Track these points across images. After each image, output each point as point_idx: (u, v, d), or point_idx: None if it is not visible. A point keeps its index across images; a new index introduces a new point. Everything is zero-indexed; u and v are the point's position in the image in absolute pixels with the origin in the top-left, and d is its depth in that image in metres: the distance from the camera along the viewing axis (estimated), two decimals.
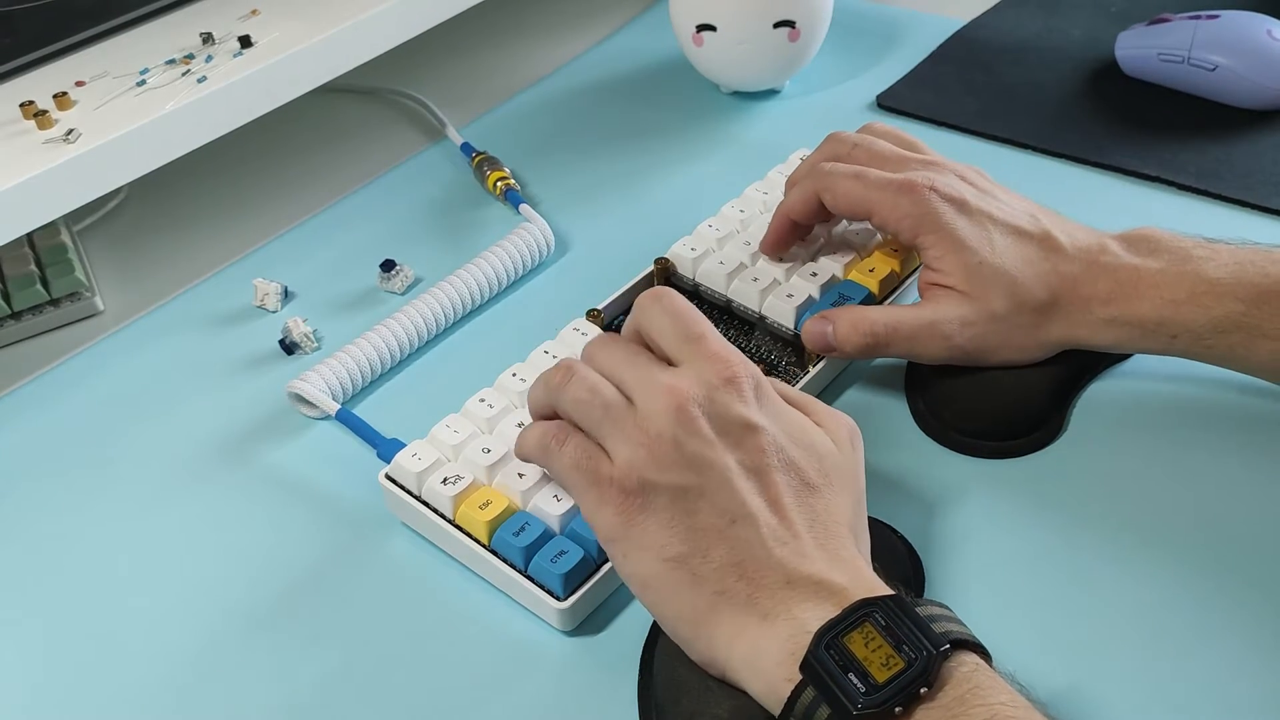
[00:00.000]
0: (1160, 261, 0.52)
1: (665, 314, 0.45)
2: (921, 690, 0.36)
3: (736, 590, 0.40)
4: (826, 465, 0.43)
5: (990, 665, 0.38)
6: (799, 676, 0.37)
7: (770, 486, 0.41)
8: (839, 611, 0.38)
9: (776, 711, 0.38)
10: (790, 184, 0.58)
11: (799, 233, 0.59)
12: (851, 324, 0.54)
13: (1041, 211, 0.55)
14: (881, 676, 0.36)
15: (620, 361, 0.44)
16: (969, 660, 0.37)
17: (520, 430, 0.48)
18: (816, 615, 0.38)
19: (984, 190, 0.55)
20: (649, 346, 0.46)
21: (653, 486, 0.41)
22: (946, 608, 0.40)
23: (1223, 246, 0.52)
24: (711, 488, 0.41)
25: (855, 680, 0.36)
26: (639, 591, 0.42)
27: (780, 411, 0.44)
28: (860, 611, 0.38)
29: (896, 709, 0.36)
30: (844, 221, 0.63)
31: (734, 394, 0.43)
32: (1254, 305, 0.50)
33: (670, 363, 0.45)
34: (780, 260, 0.60)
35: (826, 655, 0.37)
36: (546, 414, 0.47)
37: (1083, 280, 0.52)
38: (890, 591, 0.39)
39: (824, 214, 0.57)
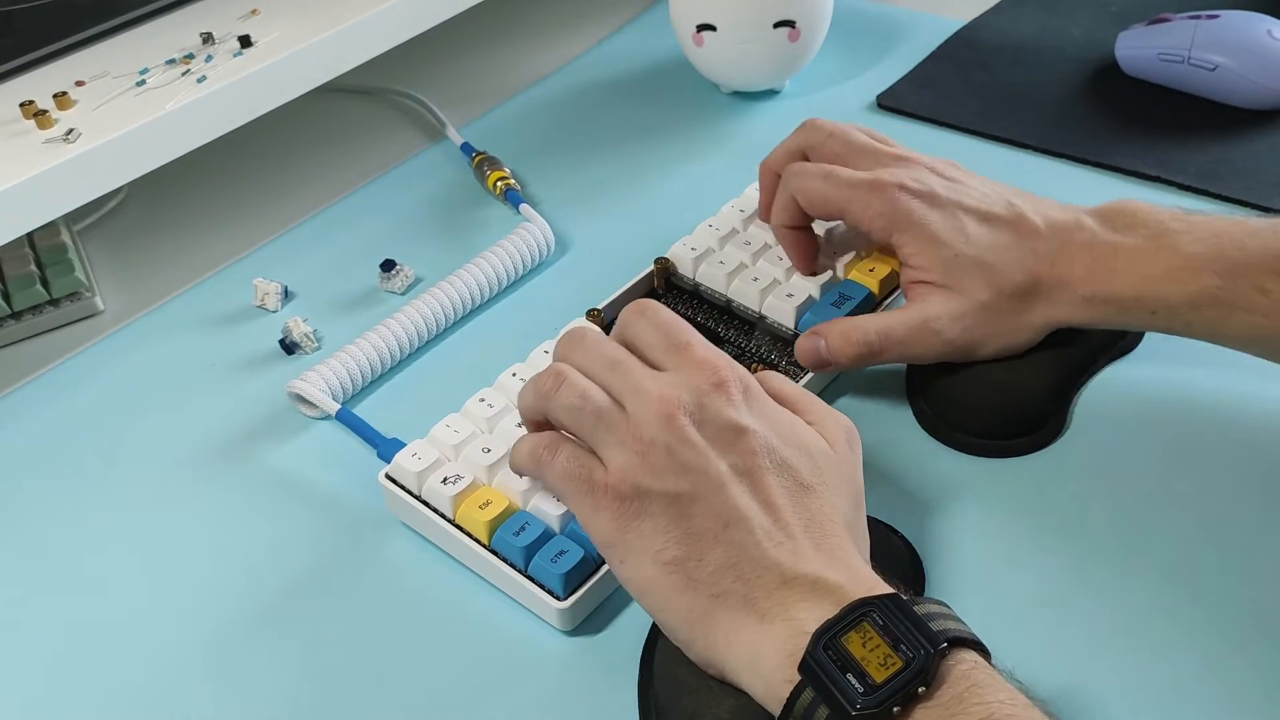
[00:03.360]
0: (1136, 237, 0.51)
1: (651, 326, 0.45)
2: (920, 689, 0.36)
3: (733, 592, 0.40)
4: (820, 464, 0.43)
5: (989, 663, 0.38)
6: (798, 677, 0.37)
7: (763, 489, 0.41)
8: (837, 611, 0.38)
9: (777, 712, 0.38)
10: (762, 169, 0.60)
11: (810, 236, 0.59)
12: (843, 335, 0.54)
13: (1015, 195, 0.55)
14: (880, 676, 0.36)
15: (609, 366, 0.44)
16: (967, 658, 0.37)
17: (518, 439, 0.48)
18: (814, 615, 0.38)
19: (954, 179, 0.55)
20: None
21: (647, 492, 0.41)
22: (945, 605, 0.39)
23: (1199, 218, 0.51)
24: (705, 493, 0.41)
25: (854, 680, 0.36)
26: (637, 595, 0.42)
27: (771, 413, 0.44)
28: (858, 611, 0.38)
29: (895, 709, 0.36)
30: (842, 222, 0.63)
31: (723, 398, 0.43)
32: (1229, 279, 0.49)
33: (658, 370, 0.45)
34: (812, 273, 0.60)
35: (825, 656, 0.37)
36: (537, 418, 0.46)
37: (1060, 260, 0.52)
38: (888, 590, 0.39)
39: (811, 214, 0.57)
